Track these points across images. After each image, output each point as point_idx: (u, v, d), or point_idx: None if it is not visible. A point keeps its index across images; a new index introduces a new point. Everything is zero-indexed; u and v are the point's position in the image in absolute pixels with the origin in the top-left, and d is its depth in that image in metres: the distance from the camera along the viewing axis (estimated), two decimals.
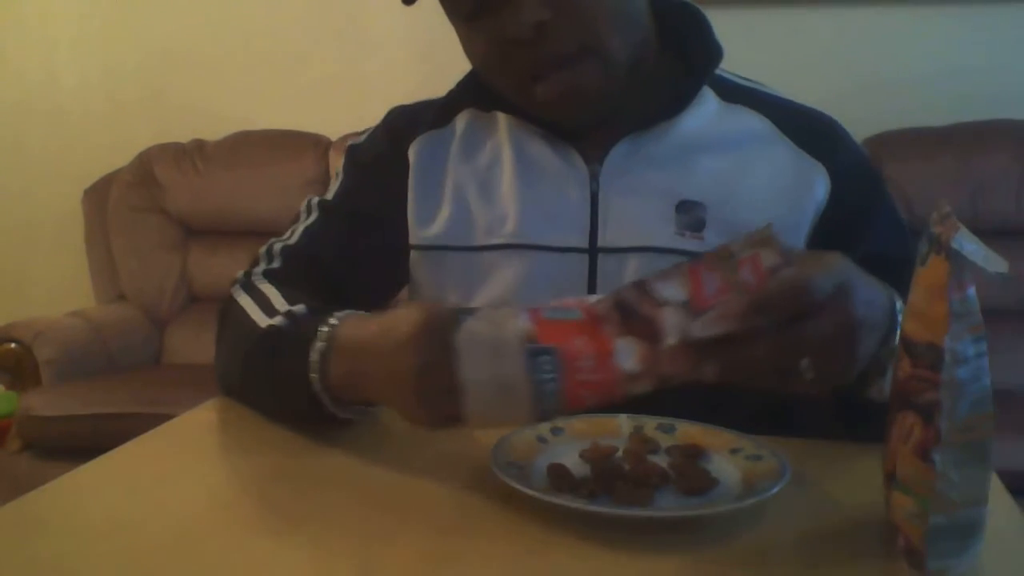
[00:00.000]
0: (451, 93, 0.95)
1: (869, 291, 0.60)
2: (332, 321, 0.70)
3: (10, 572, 0.53)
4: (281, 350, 0.74)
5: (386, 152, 0.93)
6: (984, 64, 2.39)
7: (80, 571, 0.54)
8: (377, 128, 0.97)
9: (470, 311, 0.60)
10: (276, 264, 0.88)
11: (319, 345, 0.69)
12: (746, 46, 2.45)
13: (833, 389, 0.65)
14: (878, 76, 2.42)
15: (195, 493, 0.65)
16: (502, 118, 0.90)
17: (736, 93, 0.89)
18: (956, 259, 0.48)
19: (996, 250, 0.48)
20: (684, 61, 0.88)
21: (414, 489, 0.65)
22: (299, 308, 0.77)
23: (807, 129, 0.87)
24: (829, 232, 0.83)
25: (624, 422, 0.73)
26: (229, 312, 0.85)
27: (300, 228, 0.91)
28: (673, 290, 0.57)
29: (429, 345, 0.60)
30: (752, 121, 0.87)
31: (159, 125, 2.73)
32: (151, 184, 2.65)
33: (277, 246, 0.90)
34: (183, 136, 2.72)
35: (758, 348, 0.54)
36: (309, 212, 0.93)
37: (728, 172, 0.85)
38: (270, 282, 0.85)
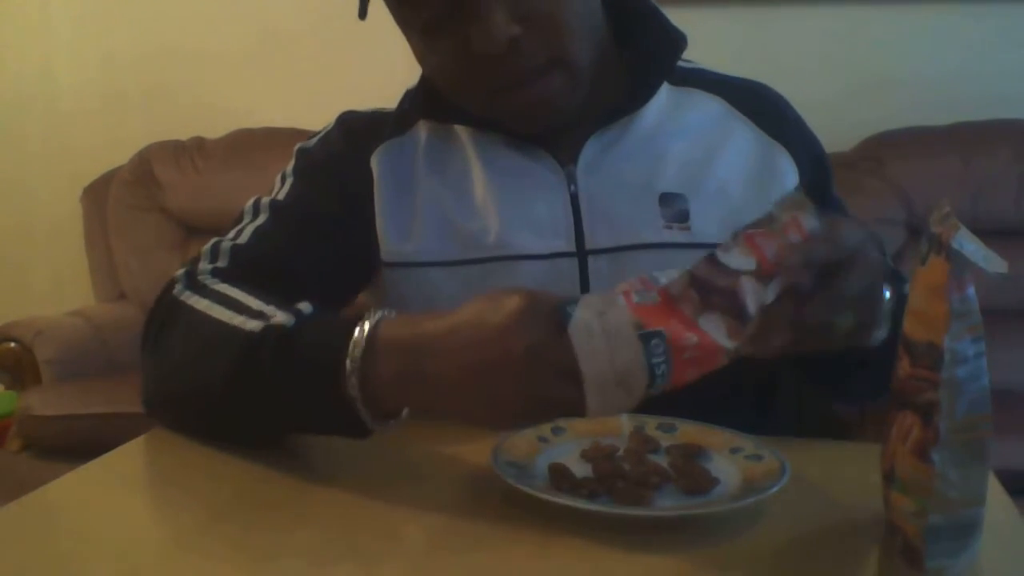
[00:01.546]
0: (402, 105, 0.92)
1: (877, 248, 0.65)
2: (370, 320, 0.63)
3: (10, 572, 0.53)
4: (295, 351, 0.65)
5: (344, 157, 0.89)
6: (985, 64, 2.39)
7: (80, 571, 0.54)
8: (330, 132, 0.92)
9: (572, 300, 0.58)
10: (222, 263, 0.80)
11: (360, 344, 0.62)
12: (746, 46, 2.46)
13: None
14: (878, 76, 2.42)
15: (195, 493, 0.65)
16: (462, 130, 0.88)
17: (684, 76, 0.91)
18: (956, 259, 0.48)
19: (996, 250, 0.48)
20: (640, 54, 0.88)
21: (414, 489, 0.65)
22: (304, 306, 0.69)
23: (760, 107, 0.90)
24: None
25: (625, 422, 0.73)
26: (175, 316, 0.75)
27: (249, 228, 0.84)
28: (741, 260, 0.58)
29: (541, 326, 0.57)
30: (708, 103, 0.90)
31: (158, 122, 2.73)
32: (151, 182, 2.65)
33: (225, 244, 0.82)
34: (183, 134, 2.71)
35: (808, 306, 0.58)
36: (257, 212, 0.86)
37: (697, 160, 0.86)
38: (224, 282, 0.77)
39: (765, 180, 0.86)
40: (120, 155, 2.71)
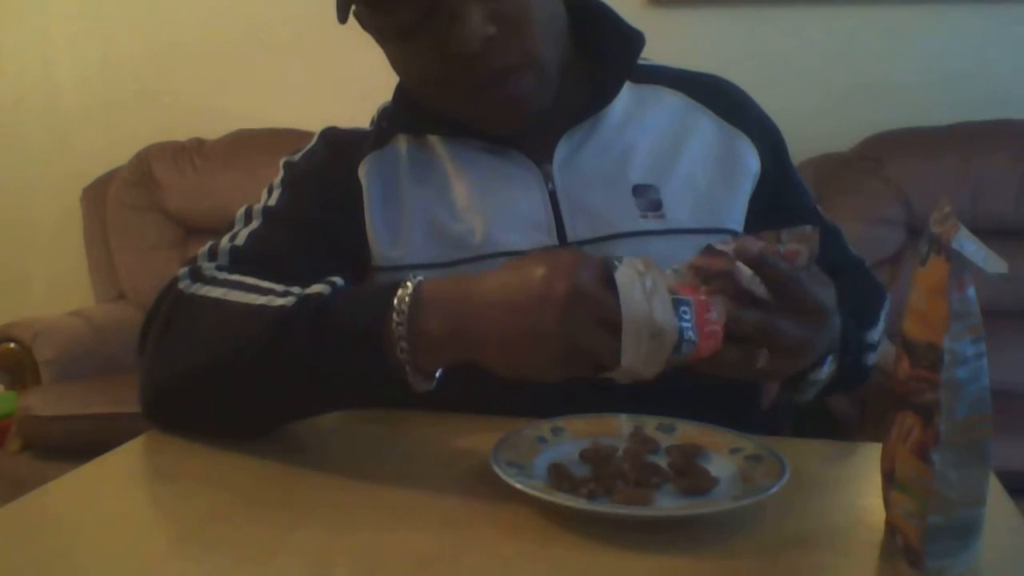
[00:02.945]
0: (379, 123, 0.95)
1: (836, 327, 0.71)
2: (412, 280, 0.66)
3: (11, 572, 0.53)
4: (336, 315, 0.67)
5: (332, 168, 0.91)
6: (985, 64, 2.39)
7: (80, 571, 0.54)
8: (315, 146, 0.95)
9: (616, 257, 0.62)
10: (223, 262, 0.81)
11: (405, 300, 0.64)
12: (746, 46, 2.46)
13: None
14: (878, 76, 2.42)
15: (194, 493, 0.65)
16: (436, 139, 0.91)
17: (643, 74, 0.94)
18: (956, 259, 0.48)
19: (996, 250, 0.48)
20: (600, 55, 0.91)
21: (414, 488, 0.65)
22: (336, 279, 0.71)
23: (718, 98, 0.94)
24: (761, 199, 0.91)
25: (624, 422, 0.73)
26: (185, 308, 0.75)
27: (243, 232, 0.86)
28: (732, 247, 0.62)
29: (586, 273, 0.60)
30: (669, 98, 0.94)
31: (157, 123, 2.73)
32: (150, 183, 2.65)
33: (223, 245, 0.83)
34: (182, 134, 2.71)
35: (746, 317, 0.62)
36: (250, 218, 0.88)
37: (664, 151, 0.90)
38: (232, 274, 0.78)
39: (729, 165, 0.90)
40: (119, 156, 2.71)
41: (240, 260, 0.82)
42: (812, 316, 0.66)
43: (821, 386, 0.78)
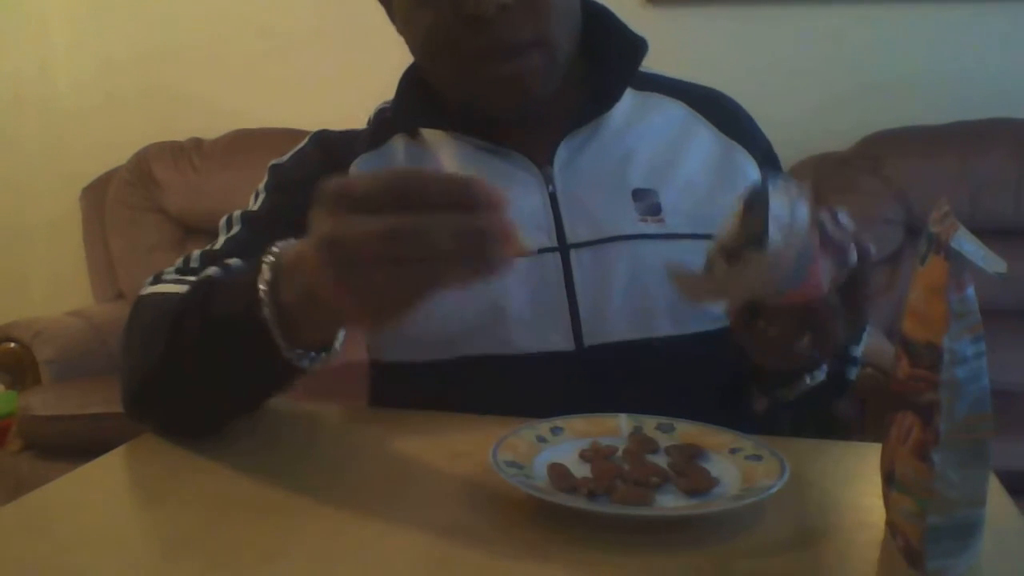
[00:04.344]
0: (380, 116, 0.95)
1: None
2: (277, 247, 0.63)
3: (10, 572, 0.53)
4: (219, 294, 0.67)
5: (321, 170, 0.89)
6: (983, 63, 2.39)
7: (80, 571, 0.54)
8: (304, 149, 0.94)
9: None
10: (194, 265, 0.83)
11: (267, 271, 0.62)
12: (745, 46, 2.46)
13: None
14: (877, 75, 2.43)
15: (194, 493, 0.65)
16: (436, 138, 0.91)
17: (645, 82, 0.95)
18: (955, 259, 0.48)
19: (995, 250, 0.48)
20: (604, 60, 0.91)
21: (414, 489, 0.65)
22: (233, 261, 0.72)
23: (716, 111, 0.95)
24: None
25: (624, 422, 0.73)
26: (137, 312, 0.79)
27: (222, 238, 0.87)
28: (850, 223, 0.61)
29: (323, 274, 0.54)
30: (670, 107, 0.95)
31: (156, 123, 2.73)
32: (149, 183, 2.66)
33: (196, 253, 0.85)
34: (181, 134, 2.72)
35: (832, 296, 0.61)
36: (231, 225, 0.88)
37: (664, 157, 0.90)
38: (186, 276, 0.80)
39: (728, 173, 0.91)
40: (119, 155, 2.71)
41: (213, 264, 0.82)
42: (858, 319, 0.66)
43: (807, 389, 0.79)
